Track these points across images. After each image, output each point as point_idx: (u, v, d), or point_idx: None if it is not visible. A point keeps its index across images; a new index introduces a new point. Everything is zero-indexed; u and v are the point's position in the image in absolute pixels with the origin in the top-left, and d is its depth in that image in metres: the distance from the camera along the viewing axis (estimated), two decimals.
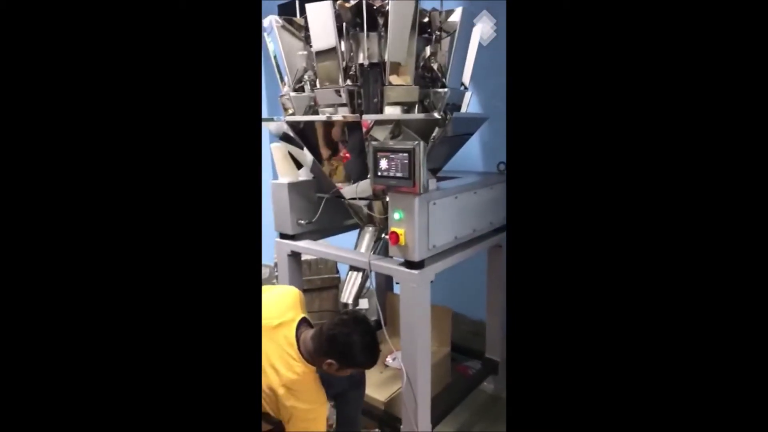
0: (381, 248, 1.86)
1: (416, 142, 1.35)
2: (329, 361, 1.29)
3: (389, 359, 2.23)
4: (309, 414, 1.27)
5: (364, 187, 1.65)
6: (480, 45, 1.73)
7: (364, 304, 3.08)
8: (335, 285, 2.53)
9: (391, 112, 1.54)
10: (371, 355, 1.33)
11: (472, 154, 2.42)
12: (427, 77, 1.65)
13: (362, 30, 1.52)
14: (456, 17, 1.54)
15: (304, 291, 2.49)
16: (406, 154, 1.36)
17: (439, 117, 1.46)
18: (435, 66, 1.61)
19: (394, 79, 1.45)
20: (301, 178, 1.94)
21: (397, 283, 1.58)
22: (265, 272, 3.52)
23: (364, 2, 1.47)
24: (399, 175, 1.40)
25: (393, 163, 1.40)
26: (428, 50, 1.62)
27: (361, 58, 1.57)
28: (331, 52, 1.46)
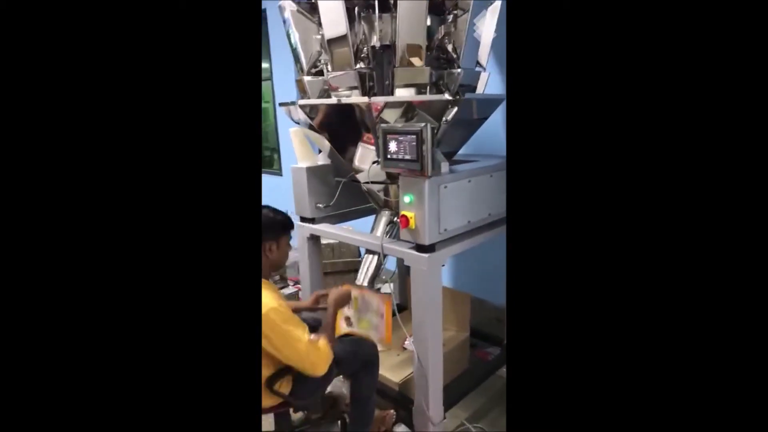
0: (396, 232, 1.87)
1: (423, 123, 1.33)
2: (266, 245, 1.41)
3: (407, 342, 2.24)
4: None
5: (378, 170, 1.65)
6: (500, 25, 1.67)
7: (387, 288, 3.11)
8: (357, 268, 2.56)
9: (403, 94, 1.52)
10: (282, 215, 1.48)
11: (498, 136, 2.36)
12: (442, 58, 1.61)
13: (374, 12, 1.50)
14: None
15: (327, 274, 2.55)
16: (413, 136, 1.35)
17: (450, 98, 1.43)
18: (449, 46, 1.57)
19: (413, 60, 1.43)
20: (319, 163, 1.97)
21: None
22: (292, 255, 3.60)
23: None
24: (408, 157, 1.39)
25: (402, 146, 1.39)
26: (442, 30, 1.58)
27: (374, 40, 1.56)
28: (343, 39, 1.46)
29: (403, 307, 2.57)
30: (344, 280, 2.56)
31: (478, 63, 1.67)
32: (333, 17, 1.45)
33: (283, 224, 1.47)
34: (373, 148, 1.71)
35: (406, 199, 1.48)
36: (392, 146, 1.42)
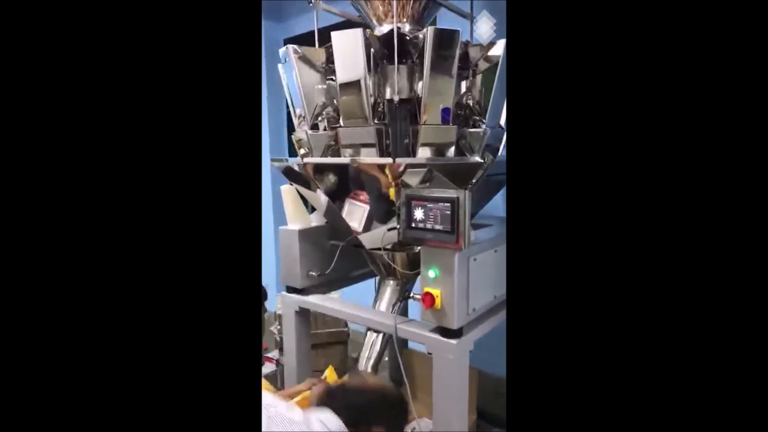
0: (402, 307, 1.65)
1: (461, 190, 1.15)
2: None
3: (408, 430, 1.95)
4: None
5: (391, 236, 1.44)
6: None
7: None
8: (344, 340, 2.28)
9: (424, 154, 1.35)
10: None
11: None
12: (461, 115, 1.47)
13: (392, 62, 1.35)
14: (498, 51, 1.38)
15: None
16: (447, 204, 1.16)
17: (481, 160, 1.26)
18: (471, 103, 1.44)
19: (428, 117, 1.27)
20: (313, 224, 1.73)
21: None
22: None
23: (395, 31, 1.30)
24: (438, 227, 1.19)
25: (431, 214, 1.20)
26: (464, 86, 1.45)
27: (389, 94, 1.39)
28: (359, 85, 1.28)
29: (398, 383, 2.30)
30: (329, 353, 2.26)
31: (498, 124, 1.54)
32: (349, 59, 1.27)
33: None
34: (363, 206, 1.52)
35: (431, 273, 1.27)
36: (418, 214, 1.22)
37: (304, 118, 1.51)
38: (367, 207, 1.53)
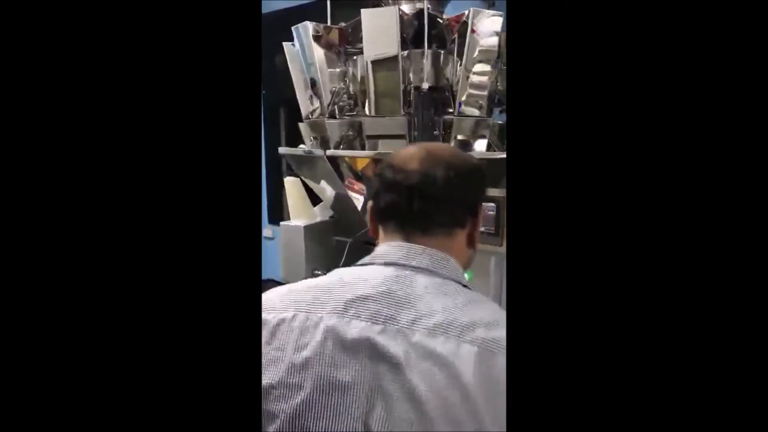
0: None
1: (503, 189, 1.08)
2: None
3: None
4: None
5: None
6: None
7: None
8: None
9: None
10: None
11: None
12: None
13: (420, 46, 1.24)
14: None
15: None
16: (492, 204, 1.08)
17: None
18: (497, 92, 1.36)
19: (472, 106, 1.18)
20: (318, 219, 1.61)
21: None
22: None
23: (426, 11, 1.19)
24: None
25: None
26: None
27: (415, 80, 1.29)
28: (390, 67, 1.16)
29: None
30: None
31: None
32: (381, 40, 1.15)
33: None
34: (359, 197, 1.43)
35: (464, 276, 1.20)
36: None
37: (317, 104, 1.37)
38: (359, 196, 1.44)
